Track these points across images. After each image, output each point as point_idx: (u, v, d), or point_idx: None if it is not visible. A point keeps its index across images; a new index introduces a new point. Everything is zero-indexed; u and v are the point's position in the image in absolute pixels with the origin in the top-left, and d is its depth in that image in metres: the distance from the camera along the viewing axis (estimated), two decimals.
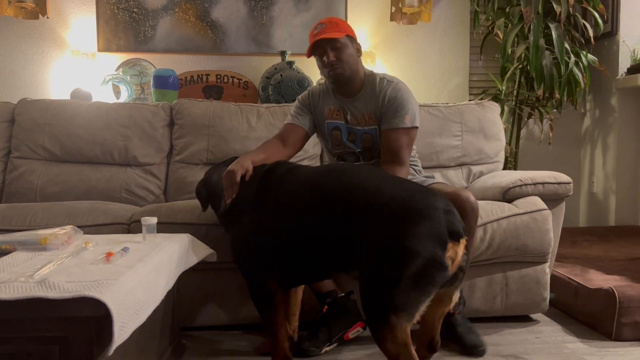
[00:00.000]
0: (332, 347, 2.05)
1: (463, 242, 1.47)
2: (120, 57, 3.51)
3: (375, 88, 2.07)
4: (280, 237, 1.70)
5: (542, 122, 3.51)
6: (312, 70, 3.45)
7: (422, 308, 1.42)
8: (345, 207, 1.56)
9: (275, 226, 1.71)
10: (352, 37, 2.07)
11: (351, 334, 2.07)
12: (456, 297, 1.58)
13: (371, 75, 2.11)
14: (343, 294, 2.10)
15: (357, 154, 2.14)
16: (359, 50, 2.10)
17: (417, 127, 2.04)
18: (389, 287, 1.40)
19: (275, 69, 3.33)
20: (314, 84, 3.32)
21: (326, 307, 2.08)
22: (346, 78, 2.05)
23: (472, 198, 1.90)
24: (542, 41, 3.21)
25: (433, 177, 2.26)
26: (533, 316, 2.35)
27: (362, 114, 2.08)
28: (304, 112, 2.16)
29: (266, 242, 1.73)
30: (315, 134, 2.23)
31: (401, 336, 1.40)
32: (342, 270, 1.67)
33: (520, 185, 2.29)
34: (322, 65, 2.05)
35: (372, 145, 2.10)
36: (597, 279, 2.27)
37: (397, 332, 1.39)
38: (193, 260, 1.84)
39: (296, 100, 2.22)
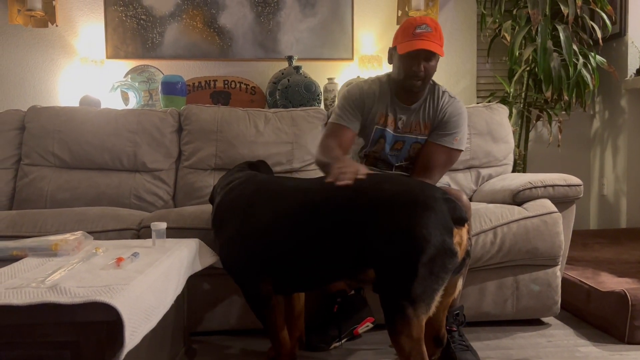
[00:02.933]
0: (341, 342, 2.05)
1: (466, 226, 1.52)
2: (128, 64, 3.53)
3: (437, 101, 2.03)
4: (276, 247, 1.68)
5: (550, 124, 3.49)
6: (319, 75, 3.46)
7: (437, 298, 1.45)
8: (349, 212, 1.54)
9: (268, 236, 1.69)
10: None
11: (361, 329, 2.08)
12: (460, 284, 1.60)
13: (433, 86, 2.06)
14: (353, 292, 2.10)
15: (392, 165, 2.08)
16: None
17: (461, 151, 2.03)
18: (404, 279, 1.42)
19: (283, 74, 3.34)
20: (321, 88, 3.32)
21: (336, 306, 2.08)
22: (420, 90, 2.00)
23: (465, 198, 1.89)
24: (549, 43, 3.20)
25: None
26: (544, 320, 2.34)
27: (418, 122, 2.03)
28: (355, 113, 2.03)
29: (258, 250, 1.71)
30: None
31: (416, 330, 1.42)
32: (349, 276, 1.65)
33: (530, 188, 2.27)
34: (405, 68, 1.94)
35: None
36: (609, 282, 2.25)
37: (413, 326, 1.41)
38: (202, 265, 1.84)
39: (345, 97, 2.07)
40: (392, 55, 2.03)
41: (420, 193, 1.51)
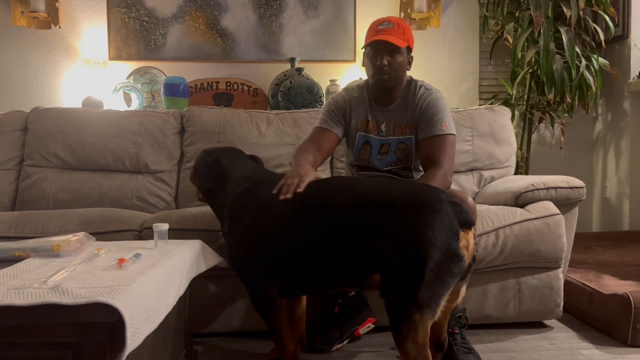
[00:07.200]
0: (343, 344, 2.05)
1: (473, 230, 1.50)
2: (131, 66, 3.54)
3: (414, 95, 2.04)
4: (283, 251, 1.67)
5: (553, 127, 3.49)
6: (321, 77, 3.47)
7: (443, 303, 1.43)
8: (354, 216, 1.54)
9: (276, 239, 1.69)
10: (410, 49, 2.04)
11: (362, 330, 2.08)
12: (463, 290, 1.58)
13: (410, 83, 2.08)
14: (353, 293, 2.10)
15: (381, 171, 2.09)
16: (409, 63, 2.06)
17: (454, 135, 2.02)
18: (410, 284, 1.40)
19: (285, 75, 3.34)
20: (323, 90, 3.33)
21: (337, 307, 2.08)
22: (389, 87, 2.02)
23: (470, 200, 1.89)
24: (552, 45, 3.20)
25: None
26: (547, 322, 2.33)
27: (399, 124, 2.06)
28: (337, 118, 2.10)
29: (265, 252, 1.71)
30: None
31: (422, 335, 1.41)
32: (355, 282, 1.64)
33: (533, 190, 2.27)
34: (372, 65, 2.01)
35: (406, 155, 2.07)
36: (612, 285, 2.24)
37: (419, 331, 1.40)
38: (204, 266, 1.84)
39: (329, 103, 2.14)
40: (364, 57, 2.08)
41: (425, 195, 1.48)
